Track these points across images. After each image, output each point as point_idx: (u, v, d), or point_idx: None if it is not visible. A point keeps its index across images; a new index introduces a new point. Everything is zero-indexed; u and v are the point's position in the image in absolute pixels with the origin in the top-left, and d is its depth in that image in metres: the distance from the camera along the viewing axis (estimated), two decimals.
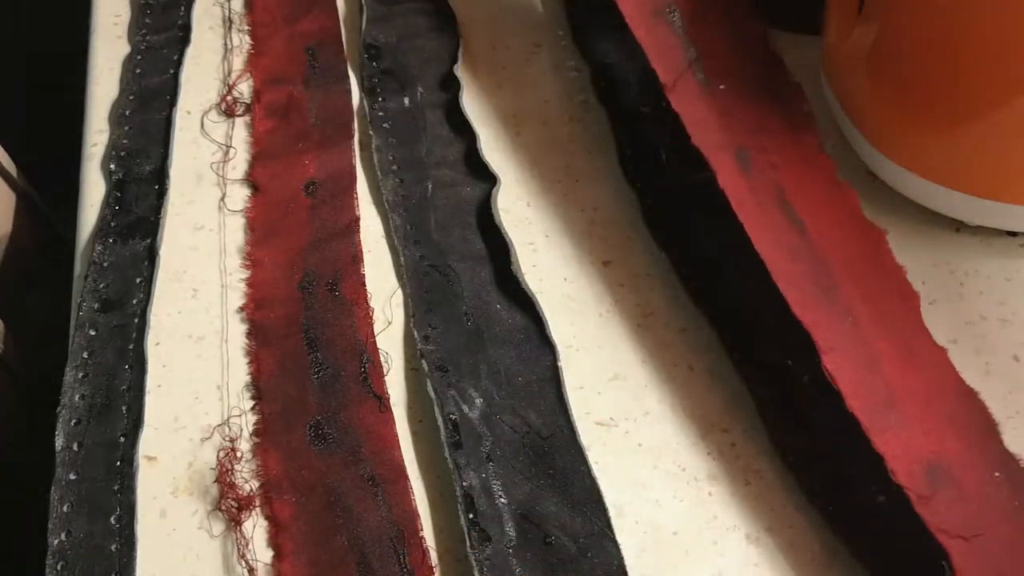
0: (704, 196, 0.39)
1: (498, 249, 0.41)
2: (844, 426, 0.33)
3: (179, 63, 0.49)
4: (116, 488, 0.35)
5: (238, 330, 0.39)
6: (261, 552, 0.33)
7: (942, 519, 0.31)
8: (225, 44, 0.51)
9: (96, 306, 0.40)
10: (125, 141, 0.46)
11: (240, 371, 0.38)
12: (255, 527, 0.34)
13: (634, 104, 0.46)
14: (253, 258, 0.42)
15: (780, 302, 0.35)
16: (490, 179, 0.43)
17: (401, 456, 0.35)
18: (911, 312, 0.36)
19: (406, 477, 0.34)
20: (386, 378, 0.37)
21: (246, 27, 0.52)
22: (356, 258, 0.41)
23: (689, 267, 0.40)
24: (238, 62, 0.50)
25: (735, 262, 0.38)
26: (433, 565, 0.32)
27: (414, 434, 0.36)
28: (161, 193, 0.44)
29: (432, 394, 0.36)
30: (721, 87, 0.41)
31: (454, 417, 0.36)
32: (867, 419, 0.33)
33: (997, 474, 0.32)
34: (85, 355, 0.38)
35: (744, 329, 0.38)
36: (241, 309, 0.40)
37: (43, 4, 0.73)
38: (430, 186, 0.44)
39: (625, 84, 0.47)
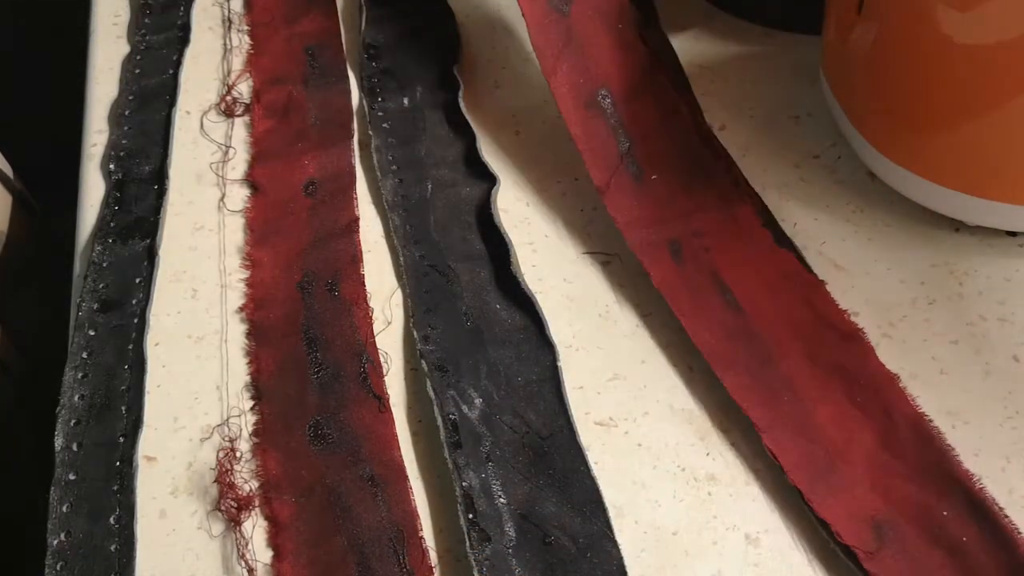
0: None
1: (498, 249, 0.41)
2: None
3: (178, 63, 0.49)
4: (116, 488, 0.35)
5: (238, 330, 0.39)
6: (261, 552, 0.33)
7: (889, 573, 0.31)
8: (224, 44, 0.51)
9: (95, 306, 0.40)
10: (124, 141, 0.46)
11: (240, 371, 0.38)
12: (254, 527, 0.34)
13: None
14: (253, 258, 0.42)
15: None
16: (490, 179, 0.43)
17: (401, 456, 0.35)
18: (856, 350, 0.36)
19: (406, 477, 0.34)
20: (386, 378, 0.37)
21: (245, 27, 0.52)
22: (356, 258, 0.41)
23: None
24: (237, 62, 0.50)
25: None
26: (433, 565, 0.32)
27: (414, 434, 0.36)
28: (160, 193, 0.44)
29: (432, 394, 0.36)
30: (653, 177, 0.42)
31: (454, 417, 0.36)
32: (809, 489, 0.33)
33: (945, 513, 0.32)
34: (84, 355, 0.38)
35: None
36: (241, 309, 0.40)
37: (43, 4, 0.73)
38: (429, 186, 0.44)
39: None
